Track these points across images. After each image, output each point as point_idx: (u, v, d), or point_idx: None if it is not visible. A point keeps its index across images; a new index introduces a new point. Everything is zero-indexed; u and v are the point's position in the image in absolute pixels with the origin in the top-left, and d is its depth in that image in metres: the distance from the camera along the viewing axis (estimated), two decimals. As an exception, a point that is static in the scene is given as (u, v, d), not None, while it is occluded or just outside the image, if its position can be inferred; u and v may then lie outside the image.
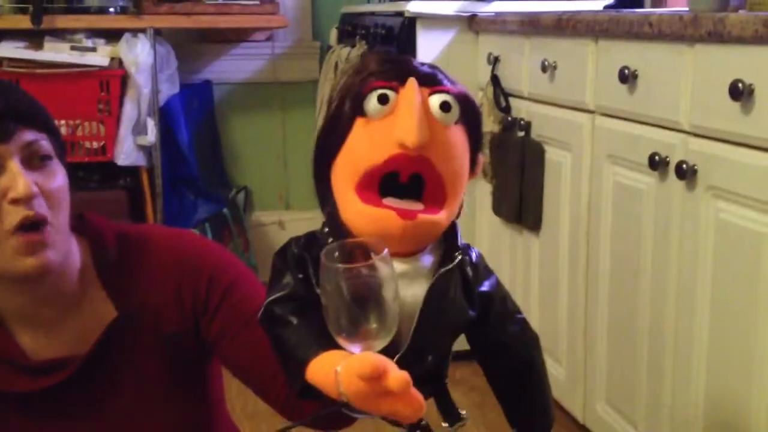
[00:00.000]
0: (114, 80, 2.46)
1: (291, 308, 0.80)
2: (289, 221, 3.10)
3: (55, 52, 2.43)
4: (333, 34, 2.89)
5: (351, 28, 2.69)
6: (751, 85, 1.23)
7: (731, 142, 1.31)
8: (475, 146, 0.83)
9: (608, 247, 1.69)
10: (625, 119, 1.61)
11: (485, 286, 0.86)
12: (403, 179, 0.78)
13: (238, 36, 2.98)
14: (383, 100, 0.77)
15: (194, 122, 2.83)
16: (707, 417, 1.39)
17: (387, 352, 0.73)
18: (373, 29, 2.43)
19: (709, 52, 1.34)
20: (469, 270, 0.84)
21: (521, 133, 1.97)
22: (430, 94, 0.79)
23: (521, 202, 1.98)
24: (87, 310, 0.99)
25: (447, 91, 0.79)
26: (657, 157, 1.46)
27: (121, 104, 2.48)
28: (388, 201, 0.78)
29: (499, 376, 0.91)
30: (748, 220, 1.27)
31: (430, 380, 0.84)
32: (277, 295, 0.80)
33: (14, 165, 0.89)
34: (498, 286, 0.88)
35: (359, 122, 0.79)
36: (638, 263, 1.57)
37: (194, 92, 2.90)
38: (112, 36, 2.50)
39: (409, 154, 0.76)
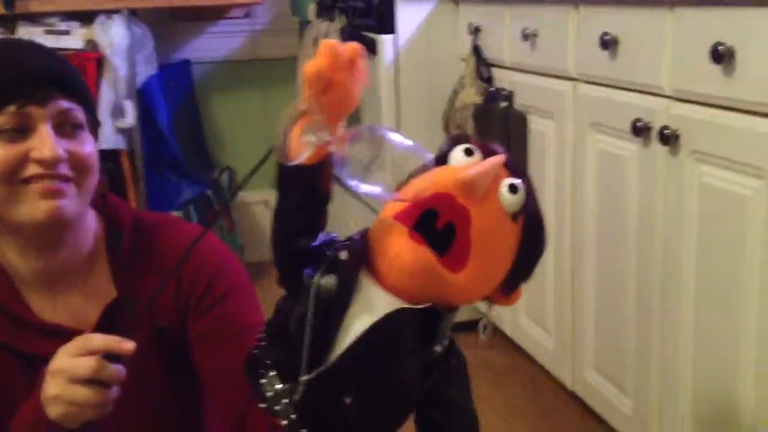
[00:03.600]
0: (90, 63, 2.42)
1: None
2: (274, 200, 3.08)
3: (29, 37, 2.39)
4: (312, 9, 2.86)
5: (330, 2, 2.66)
6: (732, 47, 1.23)
7: (713, 106, 1.30)
8: (519, 274, 0.83)
9: (593, 215, 1.69)
10: (607, 86, 1.60)
11: (455, 394, 0.81)
12: (439, 225, 0.75)
13: (215, 14, 2.94)
14: (469, 152, 0.80)
15: (174, 103, 2.79)
16: (695, 380, 1.40)
17: (314, 361, 0.74)
18: (351, 2, 2.40)
19: (689, 16, 1.33)
20: (438, 348, 0.79)
21: (504, 104, 1.96)
22: (507, 176, 0.79)
23: (506, 172, 1.98)
24: (91, 285, 1.01)
25: (522, 182, 0.80)
26: (639, 123, 1.46)
27: (98, 87, 2.45)
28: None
29: None
30: (732, 183, 1.27)
31: None
32: None
33: (44, 128, 0.91)
34: (472, 415, 0.82)
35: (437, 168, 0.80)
36: (623, 229, 1.57)
37: (173, 72, 2.86)
38: (87, 18, 2.47)
39: (458, 197, 0.75)
